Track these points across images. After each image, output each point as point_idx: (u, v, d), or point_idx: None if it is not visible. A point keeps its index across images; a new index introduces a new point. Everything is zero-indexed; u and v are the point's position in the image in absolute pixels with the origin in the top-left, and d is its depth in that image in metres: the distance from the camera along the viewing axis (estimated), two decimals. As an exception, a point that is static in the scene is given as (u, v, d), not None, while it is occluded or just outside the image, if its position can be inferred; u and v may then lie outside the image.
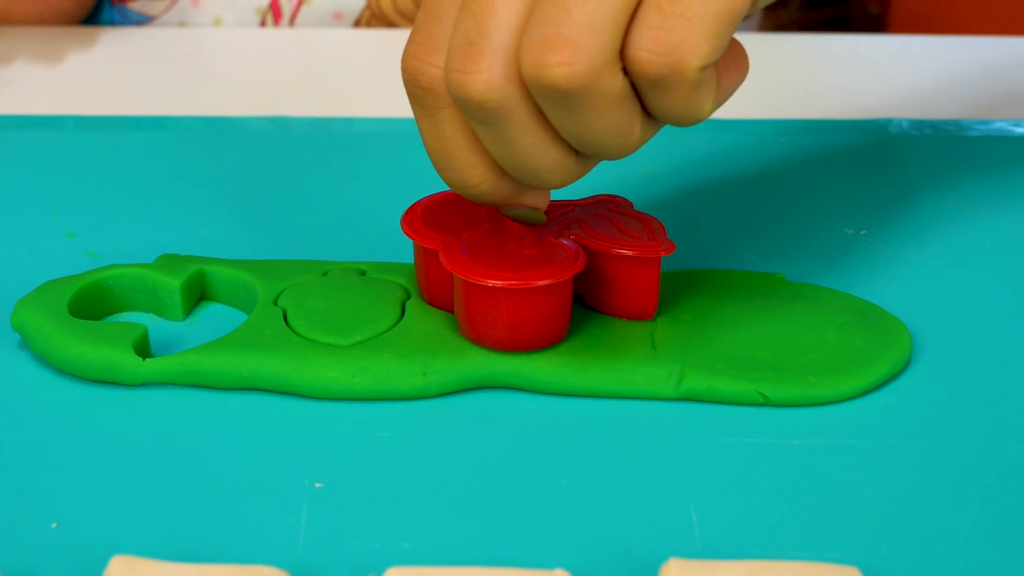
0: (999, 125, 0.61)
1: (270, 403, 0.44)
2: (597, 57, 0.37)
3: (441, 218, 0.46)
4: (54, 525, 0.39)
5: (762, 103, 0.63)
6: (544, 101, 0.39)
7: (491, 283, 0.43)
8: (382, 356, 0.44)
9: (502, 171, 0.41)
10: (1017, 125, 0.61)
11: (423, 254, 0.46)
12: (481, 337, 0.44)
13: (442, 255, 0.44)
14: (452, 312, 0.46)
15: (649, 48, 0.37)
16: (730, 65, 0.40)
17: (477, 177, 0.41)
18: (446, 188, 0.46)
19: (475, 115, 0.39)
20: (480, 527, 0.39)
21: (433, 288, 0.46)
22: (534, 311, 0.43)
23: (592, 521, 0.39)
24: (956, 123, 0.61)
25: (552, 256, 0.44)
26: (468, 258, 0.43)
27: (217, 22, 0.73)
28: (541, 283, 0.43)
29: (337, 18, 0.74)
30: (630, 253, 0.44)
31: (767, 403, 0.44)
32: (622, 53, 0.38)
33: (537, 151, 0.40)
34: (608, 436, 0.43)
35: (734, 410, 0.43)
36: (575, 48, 0.37)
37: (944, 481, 0.41)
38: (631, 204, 0.47)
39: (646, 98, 0.39)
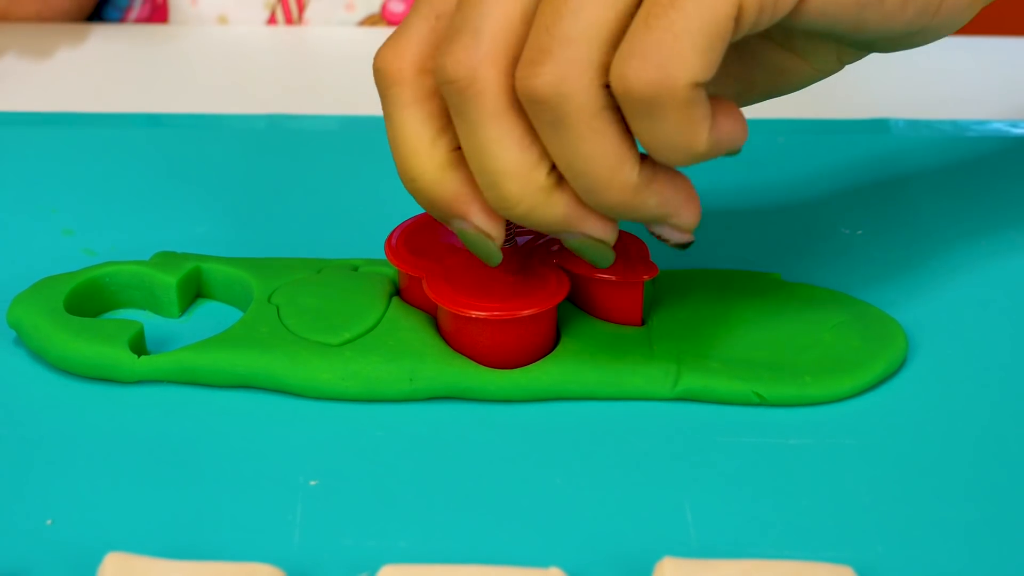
0: (996, 126, 0.61)
1: (265, 401, 0.44)
2: (572, 68, 0.37)
3: (424, 242, 0.46)
4: (49, 522, 0.39)
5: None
6: (532, 115, 0.38)
7: (475, 314, 0.43)
8: (370, 359, 0.44)
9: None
10: (1014, 126, 0.61)
11: (408, 279, 0.46)
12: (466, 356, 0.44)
13: (426, 284, 0.44)
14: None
15: (637, 65, 0.36)
16: (728, 114, 0.39)
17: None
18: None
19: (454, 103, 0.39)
20: (476, 525, 0.39)
21: (419, 306, 0.46)
22: (518, 338, 0.43)
23: (587, 519, 0.39)
24: (953, 123, 0.61)
25: (535, 282, 0.44)
26: (451, 287, 0.43)
27: (222, 20, 0.72)
28: (524, 313, 0.43)
29: (349, 9, 0.73)
30: (613, 278, 0.44)
31: (763, 403, 0.44)
32: (611, 75, 0.37)
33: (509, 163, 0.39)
34: (603, 435, 0.42)
35: (730, 410, 0.43)
36: (553, 60, 0.37)
37: (939, 481, 0.41)
38: None
39: (638, 129, 0.38)
